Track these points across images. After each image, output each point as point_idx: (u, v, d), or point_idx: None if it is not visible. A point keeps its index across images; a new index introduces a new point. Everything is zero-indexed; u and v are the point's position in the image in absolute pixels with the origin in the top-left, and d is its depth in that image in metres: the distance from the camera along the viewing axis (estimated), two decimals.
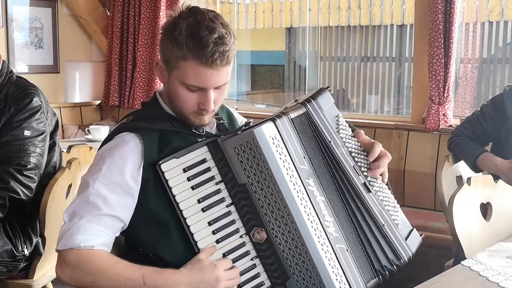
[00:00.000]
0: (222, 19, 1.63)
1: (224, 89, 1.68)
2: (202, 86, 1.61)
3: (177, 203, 1.59)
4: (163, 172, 1.59)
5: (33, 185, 2.47)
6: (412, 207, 3.98)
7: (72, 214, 1.59)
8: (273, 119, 1.63)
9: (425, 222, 3.69)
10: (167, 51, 1.63)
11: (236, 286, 1.61)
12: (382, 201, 1.76)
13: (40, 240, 2.62)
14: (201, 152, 1.63)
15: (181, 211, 1.59)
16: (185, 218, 1.60)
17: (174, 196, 1.59)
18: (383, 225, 1.72)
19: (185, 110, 1.66)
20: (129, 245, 1.70)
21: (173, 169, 1.60)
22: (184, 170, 1.61)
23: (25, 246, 2.56)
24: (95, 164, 1.65)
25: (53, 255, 2.76)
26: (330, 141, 1.72)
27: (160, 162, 1.59)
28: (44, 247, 2.60)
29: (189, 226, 1.60)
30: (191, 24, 1.58)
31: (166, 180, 1.59)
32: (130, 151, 1.61)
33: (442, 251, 3.35)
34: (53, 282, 2.78)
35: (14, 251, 2.51)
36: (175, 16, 1.63)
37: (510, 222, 2.43)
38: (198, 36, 1.57)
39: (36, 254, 2.62)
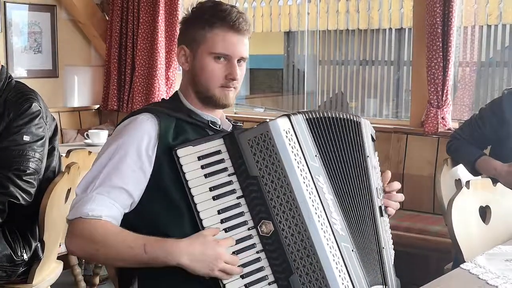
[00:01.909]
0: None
1: (244, 68, 1.81)
2: (229, 52, 1.75)
3: (189, 188, 1.63)
4: (178, 157, 1.64)
5: (32, 190, 2.47)
6: (411, 211, 3.98)
7: (85, 186, 1.66)
8: (288, 115, 1.69)
9: (425, 225, 3.69)
10: (193, 31, 1.77)
11: (239, 277, 1.61)
12: (386, 232, 1.80)
13: (39, 245, 2.62)
14: (217, 144, 1.68)
15: (192, 196, 1.63)
16: (196, 204, 1.63)
17: (187, 181, 1.63)
18: (383, 248, 1.74)
19: (212, 84, 1.76)
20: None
21: (188, 156, 1.65)
22: (199, 158, 1.65)
23: (24, 251, 2.56)
24: (113, 138, 1.72)
25: (52, 259, 2.77)
26: (368, 156, 1.77)
27: (176, 148, 1.64)
28: (43, 252, 2.60)
29: (199, 212, 1.63)
30: (213, 5, 1.78)
31: (181, 165, 1.64)
32: (147, 130, 1.68)
33: (442, 255, 3.35)
34: (52, 286, 2.78)
35: (13, 256, 2.51)
36: (193, 6, 1.80)
37: (509, 225, 2.43)
38: (222, 9, 1.76)
39: (35, 259, 2.62)
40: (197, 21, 1.77)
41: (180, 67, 1.93)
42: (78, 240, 1.62)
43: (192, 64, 1.79)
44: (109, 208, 1.62)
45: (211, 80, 1.76)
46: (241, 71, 1.79)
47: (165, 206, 1.66)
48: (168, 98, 1.92)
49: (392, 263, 1.79)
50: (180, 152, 1.64)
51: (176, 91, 1.86)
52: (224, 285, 1.60)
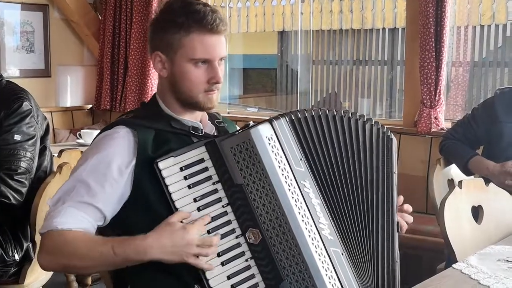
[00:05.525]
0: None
1: (223, 66, 1.74)
2: (209, 56, 1.67)
3: (173, 201, 1.60)
4: (160, 170, 1.60)
5: (24, 190, 2.46)
6: None
7: (56, 200, 1.62)
8: (270, 120, 1.65)
9: (417, 225, 3.67)
10: (167, 36, 1.68)
11: (230, 286, 1.60)
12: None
13: (30, 245, 2.61)
14: (199, 152, 1.65)
15: (177, 209, 1.59)
16: None
17: (170, 194, 1.60)
18: (397, 261, 1.73)
19: (195, 90, 1.70)
20: None
21: (170, 168, 1.61)
22: (181, 169, 1.62)
23: (15, 251, 2.55)
24: (88, 152, 1.68)
25: None
26: (395, 172, 1.77)
27: (157, 160, 1.60)
28: (34, 252, 2.59)
29: None
30: (184, 4, 1.68)
31: (163, 178, 1.60)
32: (122, 146, 1.63)
33: (434, 254, 3.35)
34: (44, 287, 2.77)
35: (5, 256, 2.50)
36: (162, 7, 1.72)
37: (501, 225, 2.43)
38: (195, 10, 1.66)
39: (26, 259, 2.61)
40: (169, 24, 1.67)
41: None
42: (48, 256, 1.59)
43: (171, 71, 1.71)
44: (79, 220, 1.58)
45: (194, 87, 1.69)
46: (222, 71, 1.73)
47: (150, 221, 1.60)
48: (147, 101, 1.85)
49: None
50: (161, 164, 1.60)
51: (155, 94, 1.79)
52: None
